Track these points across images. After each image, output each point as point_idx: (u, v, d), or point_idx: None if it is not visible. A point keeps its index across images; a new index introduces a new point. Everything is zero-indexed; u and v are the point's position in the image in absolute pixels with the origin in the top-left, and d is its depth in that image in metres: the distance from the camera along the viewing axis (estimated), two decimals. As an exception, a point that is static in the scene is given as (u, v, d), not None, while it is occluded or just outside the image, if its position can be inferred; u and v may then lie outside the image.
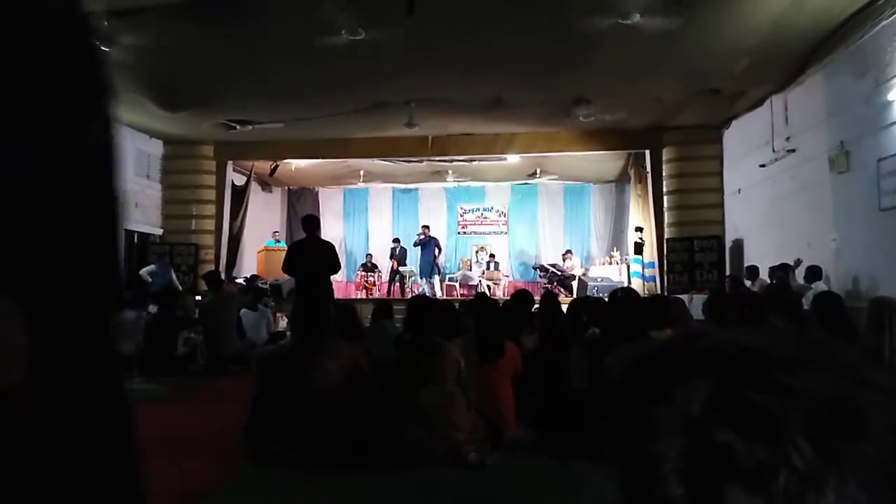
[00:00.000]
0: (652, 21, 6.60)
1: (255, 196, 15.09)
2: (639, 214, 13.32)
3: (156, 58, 7.55)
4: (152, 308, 8.03)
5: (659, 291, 11.14)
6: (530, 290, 8.33)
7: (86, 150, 0.67)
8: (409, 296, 13.20)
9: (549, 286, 13.60)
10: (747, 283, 9.08)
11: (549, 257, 15.87)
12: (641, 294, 9.95)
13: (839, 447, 0.40)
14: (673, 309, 4.63)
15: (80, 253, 0.65)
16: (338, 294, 10.20)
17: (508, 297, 9.49)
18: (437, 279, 14.92)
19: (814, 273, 7.53)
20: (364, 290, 14.94)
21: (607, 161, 13.94)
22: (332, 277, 7.25)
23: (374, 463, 3.34)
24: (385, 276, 15.45)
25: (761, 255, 9.65)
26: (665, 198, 11.79)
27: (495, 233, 17.04)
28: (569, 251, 14.96)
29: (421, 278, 14.87)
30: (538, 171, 14.88)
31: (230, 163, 12.91)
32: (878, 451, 0.40)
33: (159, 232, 12.39)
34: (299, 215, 13.39)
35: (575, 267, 14.43)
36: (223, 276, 11.08)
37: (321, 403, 3.54)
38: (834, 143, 7.71)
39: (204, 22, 6.72)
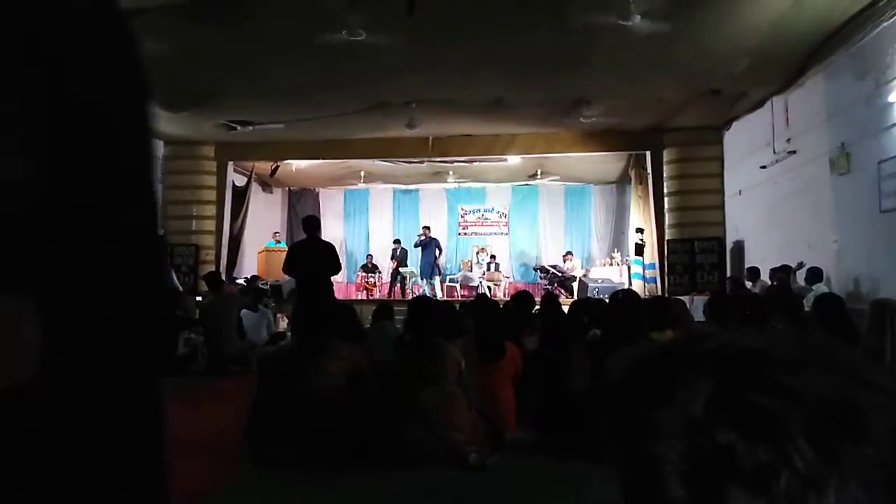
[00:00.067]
0: (652, 22, 6.60)
1: (256, 197, 15.07)
2: (639, 215, 13.32)
3: (156, 58, 7.55)
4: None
5: (660, 293, 11.12)
6: (531, 291, 8.35)
7: (113, 152, 0.66)
8: (410, 297, 13.18)
9: (549, 287, 13.60)
10: (748, 284, 9.06)
11: (550, 258, 15.86)
12: (642, 295, 9.95)
13: (840, 448, 0.40)
14: (674, 310, 4.62)
15: (113, 256, 0.65)
16: (338, 295, 10.19)
17: (509, 299, 9.48)
18: (437, 280, 14.92)
19: (815, 275, 7.53)
20: (364, 291, 14.92)
21: (608, 162, 13.93)
22: (332, 278, 7.25)
23: (375, 464, 3.34)
24: (386, 277, 15.43)
25: (762, 257, 9.64)
26: (666, 199, 11.78)
27: (496, 234, 17.04)
28: (569, 252, 14.96)
29: (421, 279, 14.85)
30: (539, 172, 14.86)
31: (231, 163, 12.90)
32: (879, 452, 0.41)
33: (160, 232, 12.36)
34: (300, 216, 13.36)
35: (575, 268, 14.42)
36: (224, 277, 11.07)
37: (322, 404, 3.53)
38: (835, 145, 7.71)
39: (204, 23, 6.73)
